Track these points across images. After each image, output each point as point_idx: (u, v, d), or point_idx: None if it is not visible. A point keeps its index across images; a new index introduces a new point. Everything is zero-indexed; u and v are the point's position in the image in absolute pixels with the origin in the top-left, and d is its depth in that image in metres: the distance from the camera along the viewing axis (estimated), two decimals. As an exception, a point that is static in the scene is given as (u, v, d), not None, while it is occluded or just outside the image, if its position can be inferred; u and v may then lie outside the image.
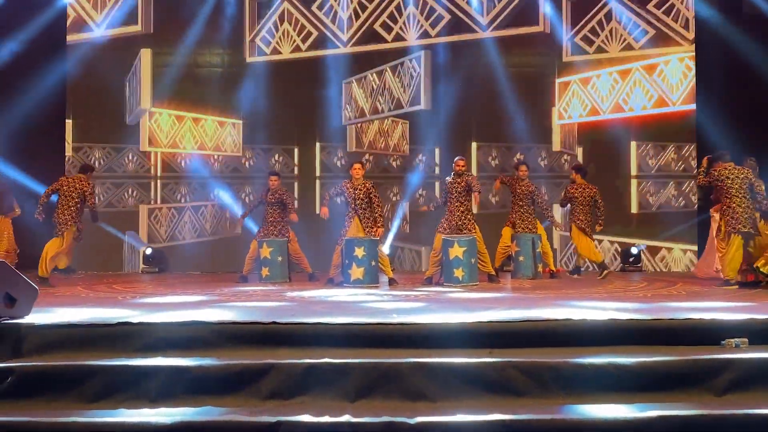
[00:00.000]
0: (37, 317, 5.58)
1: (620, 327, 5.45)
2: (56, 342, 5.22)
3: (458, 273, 9.22)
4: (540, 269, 10.57)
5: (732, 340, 5.21)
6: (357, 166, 9.86)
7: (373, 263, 9.31)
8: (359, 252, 9.22)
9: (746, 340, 5.21)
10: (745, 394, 4.74)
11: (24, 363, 4.98)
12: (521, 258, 10.45)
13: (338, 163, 13.41)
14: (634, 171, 13.27)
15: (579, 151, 13.31)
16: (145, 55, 13.14)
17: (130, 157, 13.23)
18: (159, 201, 13.25)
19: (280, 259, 10.20)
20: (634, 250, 12.54)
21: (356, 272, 9.21)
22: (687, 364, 4.88)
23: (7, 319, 5.41)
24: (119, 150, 13.19)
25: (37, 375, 4.84)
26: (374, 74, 13.47)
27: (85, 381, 4.79)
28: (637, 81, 13.19)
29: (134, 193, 13.24)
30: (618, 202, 12.88)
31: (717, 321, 5.54)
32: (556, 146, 13.31)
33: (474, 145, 13.33)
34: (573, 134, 13.40)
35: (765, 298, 7.52)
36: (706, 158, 9.35)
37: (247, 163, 13.40)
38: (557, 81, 13.41)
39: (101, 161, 13.12)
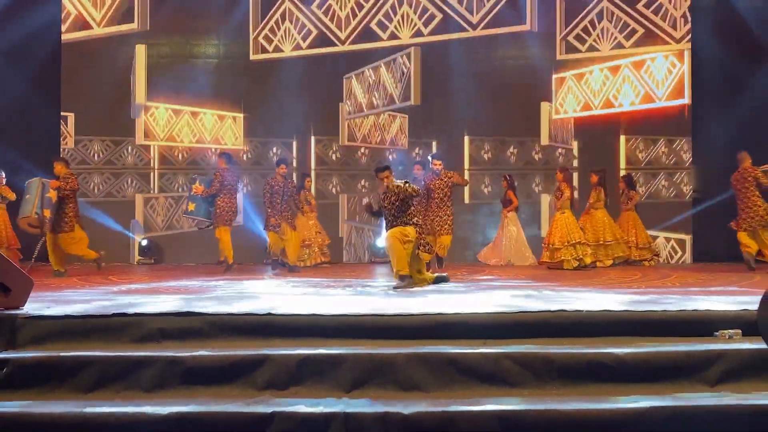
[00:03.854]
0: (33, 308, 5.59)
1: (614, 318, 5.46)
2: (52, 333, 5.22)
3: None
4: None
5: (725, 331, 5.23)
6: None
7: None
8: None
9: (740, 331, 5.23)
10: (738, 384, 4.75)
11: (19, 354, 4.99)
12: None
13: (333, 156, 13.59)
14: (623, 164, 13.50)
15: (574, 145, 13.59)
16: (140, 52, 13.19)
17: (130, 150, 13.35)
18: (156, 191, 13.38)
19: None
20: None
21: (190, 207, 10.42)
22: (680, 355, 4.89)
23: (3, 310, 5.42)
24: (118, 143, 13.29)
25: (32, 366, 4.85)
26: (370, 70, 13.66)
27: (80, 372, 4.80)
28: (625, 77, 13.49)
29: (134, 183, 13.35)
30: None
31: (710, 312, 5.55)
32: (545, 140, 13.59)
33: (467, 138, 13.53)
34: (568, 128, 13.63)
35: (759, 289, 7.55)
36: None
37: (245, 156, 13.52)
38: (554, 77, 13.57)
39: (100, 154, 13.22)
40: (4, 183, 10.98)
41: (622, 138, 13.52)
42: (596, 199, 11.57)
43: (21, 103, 12.36)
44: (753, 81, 12.42)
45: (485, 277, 9.31)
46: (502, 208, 12.42)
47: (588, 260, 10.88)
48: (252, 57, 13.39)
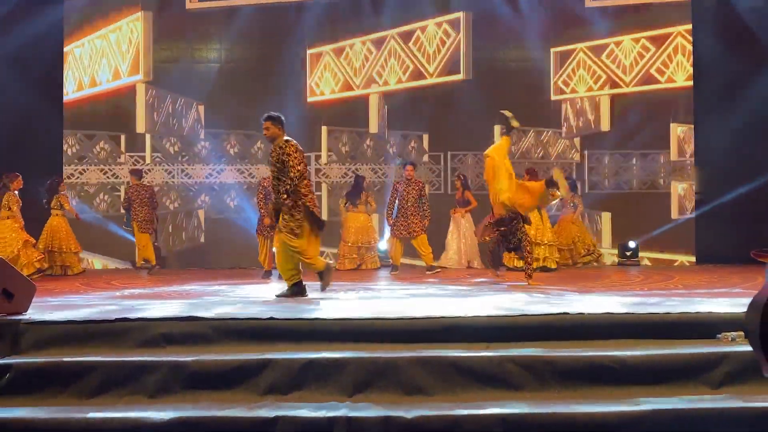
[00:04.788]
0: (36, 313, 5.59)
1: (617, 321, 5.46)
2: (54, 338, 5.22)
3: None
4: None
5: (728, 333, 5.22)
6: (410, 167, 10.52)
7: None
8: None
9: (742, 333, 5.21)
10: (740, 387, 4.75)
11: (22, 359, 5.00)
12: None
13: (343, 150, 12.40)
14: (674, 155, 12.19)
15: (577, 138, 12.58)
16: (146, 20, 11.84)
17: (102, 145, 12.43)
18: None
19: None
20: (631, 244, 12.54)
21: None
22: (683, 357, 4.90)
23: (6, 316, 5.42)
24: (90, 137, 12.41)
25: (35, 371, 4.85)
26: (370, 43, 12.25)
27: (83, 377, 4.81)
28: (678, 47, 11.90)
29: (106, 197, 12.52)
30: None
31: (713, 314, 5.54)
32: (605, 126, 12.20)
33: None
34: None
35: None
36: None
37: (232, 150, 12.51)
38: (552, 50, 12.24)
39: (73, 149, 12.46)
40: (64, 192, 11.11)
41: (672, 125, 11.90)
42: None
43: (21, 106, 12.32)
44: (755, 78, 12.13)
45: (486, 280, 9.31)
46: (454, 208, 11.82)
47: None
48: (188, 6, 11.32)
